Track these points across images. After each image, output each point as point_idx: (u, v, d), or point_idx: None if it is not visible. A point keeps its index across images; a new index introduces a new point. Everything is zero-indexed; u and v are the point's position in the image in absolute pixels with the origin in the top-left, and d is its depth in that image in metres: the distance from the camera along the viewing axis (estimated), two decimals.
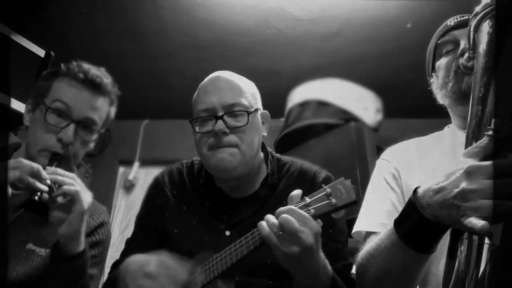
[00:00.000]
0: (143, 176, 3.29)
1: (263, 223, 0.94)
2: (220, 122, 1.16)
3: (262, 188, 1.25)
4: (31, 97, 1.30)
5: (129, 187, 3.30)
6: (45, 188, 1.05)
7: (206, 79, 1.28)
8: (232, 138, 1.17)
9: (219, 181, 1.29)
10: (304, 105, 2.60)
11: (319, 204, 0.95)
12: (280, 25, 2.43)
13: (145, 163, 3.31)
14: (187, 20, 2.42)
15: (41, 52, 1.92)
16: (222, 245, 1.07)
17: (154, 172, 3.07)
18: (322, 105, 2.53)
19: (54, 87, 1.25)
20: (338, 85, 2.60)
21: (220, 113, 1.17)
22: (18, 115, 1.35)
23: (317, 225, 0.93)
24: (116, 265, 1.26)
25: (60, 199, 1.08)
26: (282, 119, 2.75)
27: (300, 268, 0.96)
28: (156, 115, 3.32)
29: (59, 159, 1.20)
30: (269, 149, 1.34)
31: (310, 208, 0.95)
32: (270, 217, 0.94)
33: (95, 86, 1.25)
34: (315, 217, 0.94)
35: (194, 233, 1.22)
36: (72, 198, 1.07)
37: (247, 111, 1.19)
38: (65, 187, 1.07)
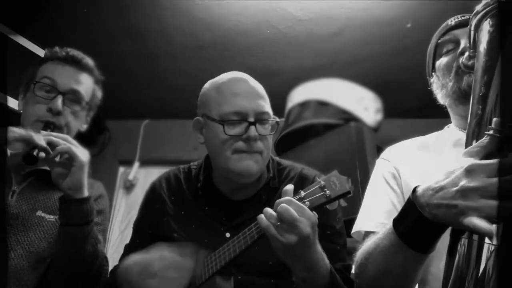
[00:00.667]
0: (143, 176, 3.29)
1: (262, 216, 0.96)
2: (253, 128, 1.17)
3: (263, 191, 1.27)
4: (22, 84, 1.40)
5: (129, 187, 3.30)
6: (43, 143, 1.12)
7: (227, 78, 1.26)
8: (260, 145, 1.19)
9: (222, 183, 1.28)
10: (304, 105, 2.60)
11: (313, 197, 0.97)
12: (280, 25, 2.43)
13: (145, 163, 3.31)
14: (187, 20, 2.42)
15: (41, 52, 1.92)
16: None
17: (154, 172, 3.12)
18: (322, 105, 2.53)
19: (40, 70, 1.37)
20: (338, 85, 2.60)
21: (252, 119, 1.18)
22: (17, 114, 1.39)
23: (314, 215, 0.95)
24: (114, 272, 1.25)
25: (57, 159, 1.16)
26: (282, 119, 2.75)
27: (298, 259, 0.97)
28: (156, 115, 3.32)
29: (51, 128, 1.28)
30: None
31: (305, 200, 0.97)
32: (268, 209, 0.97)
33: (77, 62, 1.37)
34: (310, 209, 0.96)
35: (194, 236, 1.22)
36: (68, 155, 1.15)
37: (276, 121, 1.24)
38: (58, 147, 1.14)
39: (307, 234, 0.93)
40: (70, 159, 1.15)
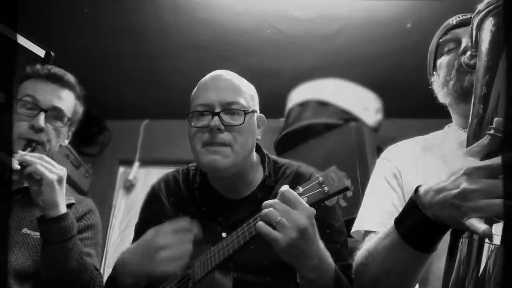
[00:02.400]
0: (143, 176, 3.29)
1: (261, 223, 0.95)
2: (216, 118, 1.16)
3: (258, 190, 1.26)
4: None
5: (129, 187, 3.30)
6: (14, 164, 1.14)
7: (206, 76, 1.28)
8: (226, 136, 1.17)
9: (215, 182, 1.29)
10: (304, 105, 2.60)
11: (312, 193, 0.97)
12: (280, 25, 2.43)
13: (145, 163, 3.31)
14: (187, 20, 2.42)
15: (41, 52, 1.92)
16: None
17: (154, 172, 3.12)
18: (322, 105, 2.53)
19: (22, 86, 1.38)
20: (338, 85, 2.60)
21: (217, 110, 1.17)
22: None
23: (310, 208, 0.95)
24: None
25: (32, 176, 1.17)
26: (282, 119, 2.75)
27: (303, 256, 0.96)
28: (156, 115, 3.32)
29: (33, 146, 1.29)
30: (265, 151, 1.34)
31: (303, 196, 0.97)
32: (268, 211, 0.96)
33: (58, 79, 1.38)
34: (309, 205, 0.96)
35: None
36: (37, 173, 1.16)
37: (244, 111, 1.19)
38: (27, 167, 1.16)
39: (305, 225, 0.92)
40: (40, 178, 1.16)
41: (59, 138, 1.38)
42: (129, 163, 3.33)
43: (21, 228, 1.29)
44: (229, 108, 1.18)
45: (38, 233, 1.26)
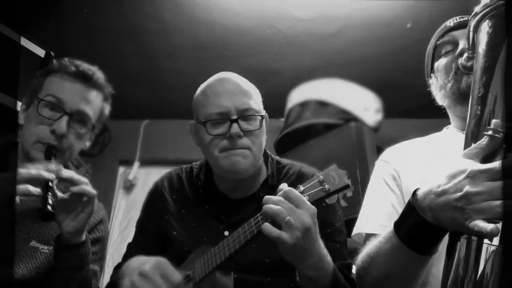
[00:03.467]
0: (143, 176, 3.29)
1: (267, 224, 0.94)
2: (235, 125, 1.18)
3: (261, 189, 1.27)
4: (25, 95, 1.29)
5: (129, 187, 3.30)
6: (54, 199, 1.03)
7: (212, 80, 1.28)
8: (245, 141, 1.19)
9: (220, 182, 1.29)
10: (304, 105, 2.60)
11: (312, 191, 0.98)
12: (280, 25, 2.43)
13: (145, 163, 3.31)
14: (187, 20, 2.42)
15: (41, 52, 1.92)
16: None
17: (154, 172, 3.12)
18: (322, 105, 2.53)
19: (46, 82, 1.25)
20: (338, 85, 2.61)
21: (234, 117, 1.19)
22: (15, 113, 1.36)
23: (313, 207, 0.95)
24: (117, 268, 1.26)
25: (67, 196, 1.07)
26: (282, 119, 2.75)
27: (305, 256, 0.96)
28: (156, 115, 3.32)
29: (54, 153, 1.18)
30: (268, 151, 1.35)
31: (304, 195, 0.97)
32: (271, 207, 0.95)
33: (87, 79, 1.25)
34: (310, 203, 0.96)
35: (193, 235, 1.23)
36: (88, 199, 1.08)
37: (261, 115, 1.23)
38: (84, 186, 1.07)
39: (309, 224, 0.92)
40: (84, 202, 1.07)
41: (81, 143, 1.27)
42: (129, 163, 3.34)
43: (29, 241, 1.18)
44: (246, 114, 1.20)
45: (46, 247, 1.19)
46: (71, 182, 1.08)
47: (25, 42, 1.87)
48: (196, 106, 1.28)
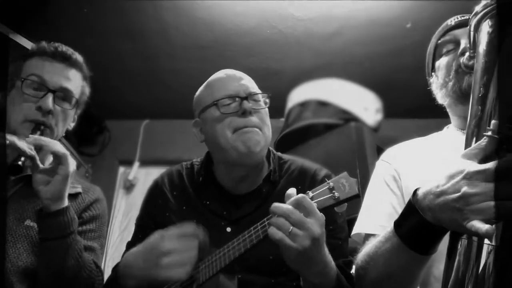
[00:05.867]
0: (143, 176, 3.29)
1: (274, 229, 0.92)
2: (246, 102, 1.20)
3: (263, 185, 1.26)
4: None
5: (129, 187, 3.30)
6: (28, 149, 1.07)
7: (216, 75, 1.31)
8: (256, 119, 1.21)
9: (224, 176, 1.28)
10: (304, 105, 2.60)
11: (322, 198, 0.95)
12: (280, 25, 2.43)
13: (145, 163, 3.31)
14: (187, 20, 2.42)
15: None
16: (223, 242, 1.08)
17: (154, 172, 3.12)
18: (322, 105, 2.53)
19: (26, 65, 1.29)
20: (338, 85, 2.60)
21: (244, 95, 1.22)
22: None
23: (323, 216, 0.93)
24: (115, 269, 1.24)
25: (42, 165, 1.11)
26: (282, 119, 2.75)
27: (310, 264, 0.95)
28: (156, 115, 3.32)
29: (41, 129, 1.21)
30: (270, 147, 1.34)
31: (313, 201, 0.94)
32: (279, 219, 0.92)
33: (65, 59, 1.30)
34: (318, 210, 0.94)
35: None
36: (60, 160, 1.09)
37: (267, 94, 1.27)
38: (55, 147, 1.09)
39: (318, 235, 0.90)
40: (55, 167, 1.09)
41: (66, 121, 1.30)
42: (129, 163, 3.33)
43: (23, 220, 1.20)
44: (253, 97, 1.24)
45: None
46: (40, 147, 1.10)
47: (25, 42, 1.87)
48: (200, 101, 1.29)
